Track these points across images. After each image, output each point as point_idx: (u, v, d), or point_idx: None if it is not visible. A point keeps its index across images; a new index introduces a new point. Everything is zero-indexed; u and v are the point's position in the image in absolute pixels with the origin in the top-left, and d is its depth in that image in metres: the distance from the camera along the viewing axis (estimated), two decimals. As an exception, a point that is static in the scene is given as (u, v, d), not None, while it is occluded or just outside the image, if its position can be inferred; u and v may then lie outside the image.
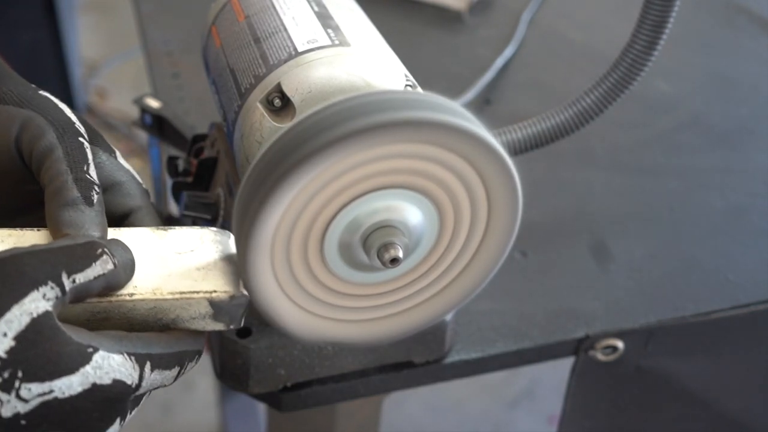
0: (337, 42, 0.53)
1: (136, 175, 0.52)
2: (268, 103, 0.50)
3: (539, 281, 0.76)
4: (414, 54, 0.70)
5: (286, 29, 0.54)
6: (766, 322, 0.77)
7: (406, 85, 0.51)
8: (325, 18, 0.55)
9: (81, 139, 0.48)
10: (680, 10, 0.66)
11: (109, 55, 2.61)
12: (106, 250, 0.43)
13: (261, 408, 1.39)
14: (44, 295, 0.40)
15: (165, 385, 0.46)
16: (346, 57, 0.51)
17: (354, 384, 0.64)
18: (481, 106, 0.98)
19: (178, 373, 0.46)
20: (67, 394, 0.40)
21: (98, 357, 0.41)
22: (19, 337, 0.39)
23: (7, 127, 0.48)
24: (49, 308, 0.40)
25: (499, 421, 1.69)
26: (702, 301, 0.75)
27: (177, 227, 0.49)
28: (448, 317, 0.64)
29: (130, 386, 0.42)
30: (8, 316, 0.39)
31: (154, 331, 0.46)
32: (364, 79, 0.50)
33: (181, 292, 0.45)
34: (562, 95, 0.77)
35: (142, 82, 1.15)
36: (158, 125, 0.80)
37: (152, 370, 0.44)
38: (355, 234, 0.45)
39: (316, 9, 0.56)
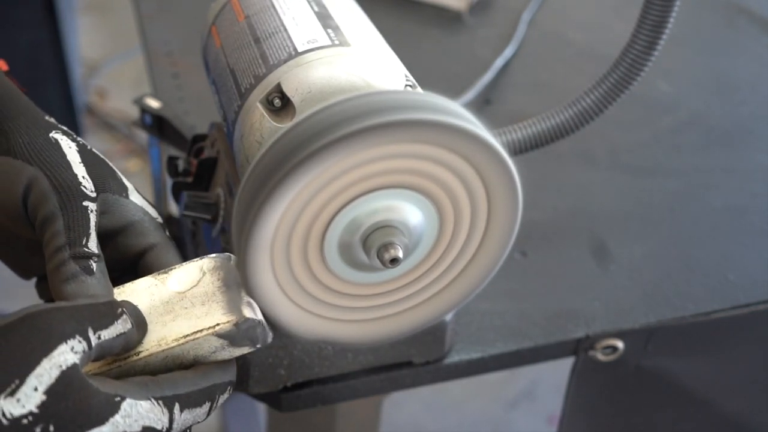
0: (337, 42, 0.52)
1: (151, 210, 0.52)
2: (268, 103, 0.50)
3: (539, 281, 0.76)
4: (414, 54, 0.70)
5: (286, 29, 0.54)
6: (766, 322, 0.77)
7: (406, 85, 0.51)
8: (325, 18, 0.55)
9: (86, 202, 0.48)
10: (680, 10, 0.66)
11: (109, 55, 2.61)
12: (125, 309, 0.44)
13: (261, 408, 1.39)
14: (72, 348, 0.40)
15: (198, 422, 0.46)
16: (346, 57, 0.51)
17: (354, 384, 0.64)
18: (481, 106, 0.98)
19: (210, 408, 0.46)
20: None
21: (126, 405, 0.41)
22: (50, 391, 0.39)
23: (15, 185, 0.48)
24: (77, 361, 0.40)
25: (499, 421, 1.69)
26: (702, 301, 0.75)
27: (178, 266, 0.48)
28: (448, 317, 0.64)
29: (160, 431, 0.43)
30: (38, 370, 0.39)
31: (181, 370, 0.46)
32: (364, 79, 0.50)
33: (185, 335, 0.45)
34: (562, 95, 0.77)
35: (142, 82, 1.16)
36: (158, 125, 0.80)
37: (182, 410, 0.44)
38: (355, 234, 0.45)
39: (316, 9, 0.56)
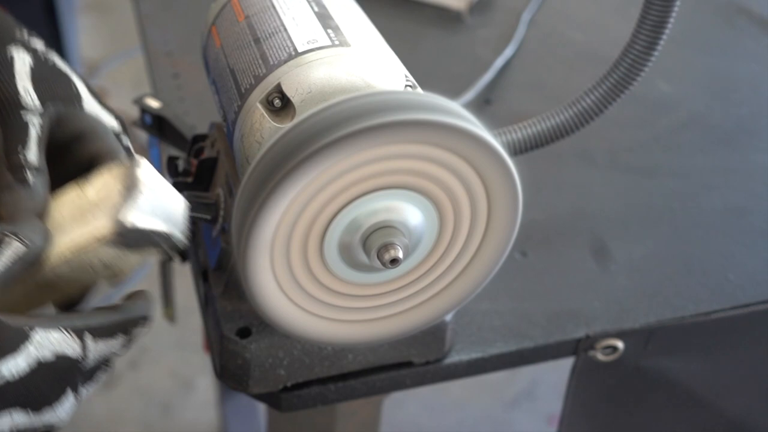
0: (337, 42, 0.52)
1: (106, 117, 0.53)
2: (268, 103, 0.50)
3: (539, 281, 0.76)
4: (414, 54, 0.70)
5: (286, 29, 0.54)
6: (766, 322, 0.77)
7: (406, 85, 0.51)
8: (325, 18, 0.55)
9: (25, 114, 0.48)
10: (680, 10, 0.66)
11: (109, 55, 2.61)
12: (8, 234, 0.44)
13: (261, 408, 1.39)
14: None
15: (118, 355, 0.47)
16: (346, 57, 0.51)
17: (354, 384, 0.64)
18: (481, 106, 0.98)
19: (126, 341, 0.47)
20: (16, 376, 0.41)
21: (37, 336, 0.42)
22: None
23: None
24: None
25: (499, 421, 1.69)
26: (702, 301, 0.75)
27: (99, 173, 0.48)
28: (448, 317, 0.64)
29: (75, 359, 0.43)
30: None
31: (105, 280, 0.47)
32: (364, 79, 0.50)
33: (77, 245, 0.45)
34: (562, 95, 0.76)
35: (142, 82, 1.15)
36: (158, 125, 0.80)
37: (95, 340, 0.45)
38: (355, 234, 0.45)
39: (316, 9, 0.56)
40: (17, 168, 0.47)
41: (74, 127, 0.51)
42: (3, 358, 0.41)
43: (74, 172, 0.50)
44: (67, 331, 0.44)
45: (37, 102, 0.49)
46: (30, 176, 0.47)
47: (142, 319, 0.48)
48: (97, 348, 0.45)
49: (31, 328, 0.42)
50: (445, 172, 0.45)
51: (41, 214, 0.46)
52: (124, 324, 0.46)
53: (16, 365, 0.41)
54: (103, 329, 0.45)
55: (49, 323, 0.43)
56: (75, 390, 0.44)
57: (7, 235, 0.44)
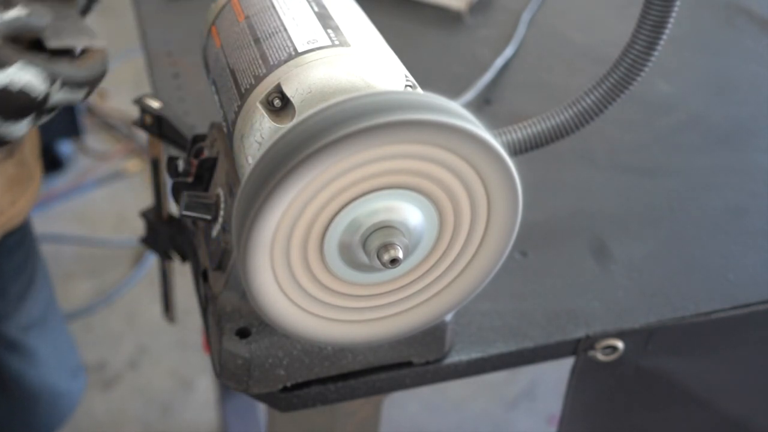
0: (337, 42, 0.52)
1: None
2: (268, 103, 0.50)
3: (539, 281, 0.76)
4: (414, 54, 0.70)
5: (286, 29, 0.54)
6: (766, 322, 0.77)
7: (406, 86, 0.51)
8: (325, 18, 0.55)
9: None
10: (680, 10, 0.66)
11: (109, 55, 2.61)
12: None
13: (261, 408, 1.39)
14: None
15: (73, 103, 0.55)
16: (346, 57, 0.51)
17: (354, 384, 0.64)
18: (481, 106, 0.98)
19: (87, 94, 0.54)
20: None
21: (15, 68, 0.48)
22: None
23: None
24: None
25: (499, 421, 1.69)
26: (702, 301, 0.75)
27: None
28: (448, 317, 0.64)
29: (34, 98, 0.50)
30: None
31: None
32: (364, 79, 0.50)
33: None
34: (562, 95, 0.76)
35: (142, 82, 1.15)
36: (158, 125, 0.80)
37: (61, 87, 0.51)
38: (355, 234, 0.45)
39: (316, 9, 0.56)
40: None
41: None
42: None
43: None
44: (42, 76, 0.50)
45: None
46: None
47: (102, 76, 0.55)
48: (60, 95, 0.51)
49: (14, 61, 0.48)
50: (445, 172, 0.45)
51: None
52: (92, 80, 0.54)
53: None
54: (73, 81, 0.52)
55: (32, 60, 0.49)
56: (28, 120, 0.51)
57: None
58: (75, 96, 0.54)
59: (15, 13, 0.51)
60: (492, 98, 1.00)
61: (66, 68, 0.53)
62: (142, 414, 1.70)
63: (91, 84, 0.55)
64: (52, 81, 0.51)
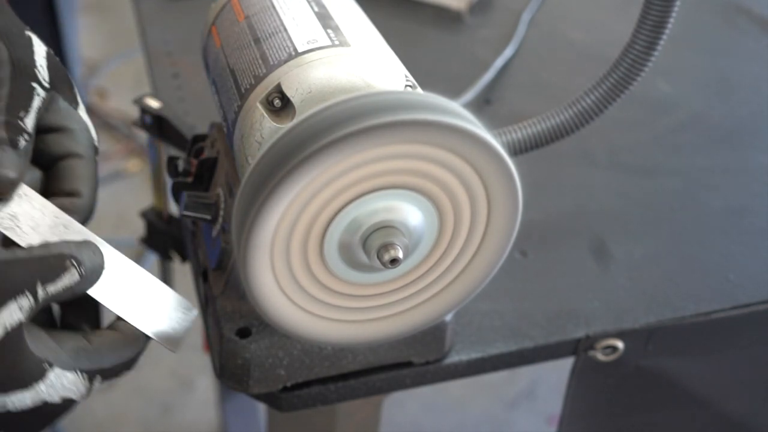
0: (337, 42, 0.52)
1: (93, 132, 0.52)
2: (268, 103, 0.50)
3: (539, 281, 0.76)
4: (414, 54, 0.70)
5: (286, 29, 0.54)
6: (766, 322, 0.77)
7: (406, 86, 0.51)
8: (325, 18, 0.55)
9: (34, 84, 0.48)
10: (680, 10, 0.66)
11: (109, 55, 2.61)
12: (73, 262, 0.43)
13: (261, 408, 1.39)
14: (20, 307, 0.40)
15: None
16: (346, 57, 0.51)
17: (354, 384, 0.64)
18: (481, 106, 0.98)
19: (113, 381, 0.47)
20: (18, 408, 0.41)
21: (53, 375, 0.42)
22: None
23: None
24: (23, 319, 0.40)
25: (499, 421, 1.69)
26: (702, 301, 0.75)
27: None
28: (448, 317, 0.64)
29: (76, 402, 0.44)
30: None
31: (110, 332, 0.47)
32: (364, 79, 0.50)
33: None
34: (562, 95, 0.76)
35: (142, 82, 1.15)
36: (158, 125, 0.80)
37: (102, 382, 0.45)
38: (355, 234, 0.45)
39: (316, 9, 0.56)
40: (15, 129, 0.46)
41: (63, 119, 0.50)
42: (12, 392, 0.40)
43: (36, 156, 0.50)
44: (82, 375, 0.43)
45: (47, 79, 0.49)
46: (22, 141, 0.46)
47: (131, 365, 0.48)
48: (97, 386, 0.45)
49: (51, 366, 0.42)
50: (445, 172, 0.45)
51: (18, 180, 0.46)
52: (129, 364, 0.47)
53: (22, 401, 0.41)
54: (113, 371, 0.46)
55: (69, 362, 0.43)
56: (59, 420, 0.44)
57: (73, 263, 0.43)
58: (111, 382, 0.47)
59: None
60: (492, 98, 1.00)
61: (108, 355, 0.45)
62: (142, 414, 1.70)
63: (130, 368, 0.48)
64: (92, 380, 0.44)
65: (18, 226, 0.45)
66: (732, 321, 0.75)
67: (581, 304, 0.74)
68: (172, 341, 0.50)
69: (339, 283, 0.47)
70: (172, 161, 0.68)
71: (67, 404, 0.43)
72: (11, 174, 0.45)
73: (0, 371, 0.40)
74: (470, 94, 0.97)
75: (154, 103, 0.80)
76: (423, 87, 0.52)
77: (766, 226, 0.84)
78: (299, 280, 0.46)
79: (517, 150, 0.73)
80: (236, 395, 1.39)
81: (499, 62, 1.04)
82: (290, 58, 0.52)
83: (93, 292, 0.46)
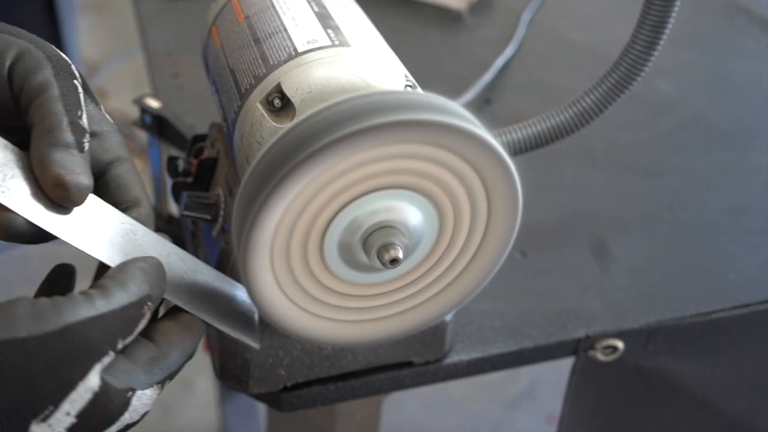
0: (337, 42, 0.52)
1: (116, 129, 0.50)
2: (268, 103, 0.50)
3: (539, 281, 0.76)
4: (414, 54, 0.70)
5: (286, 29, 0.54)
6: (766, 322, 0.77)
7: (406, 86, 0.51)
8: (325, 18, 0.55)
9: (75, 82, 0.45)
10: (680, 10, 0.66)
11: (109, 55, 2.61)
12: (150, 305, 0.42)
13: (261, 408, 1.39)
14: (103, 366, 0.40)
15: None
16: (346, 57, 0.51)
17: (354, 384, 0.64)
18: (481, 106, 0.98)
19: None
20: None
21: (135, 400, 0.41)
22: (81, 414, 0.39)
23: (1, 54, 0.45)
24: (106, 378, 0.40)
25: (499, 421, 1.69)
26: (702, 301, 0.75)
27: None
28: (448, 317, 0.64)
29: (148, 413, 0.43)
30: (73, 395, 0.38)
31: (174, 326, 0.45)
32: (364, 79, 0.50)
33: None
34: (562, 95, 0.76)
35: (142, 82, 1.16)
36: (158, 125, 0.80)
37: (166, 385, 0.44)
38: (355, 234, 0.45)
39: (316, 9, 0.56)
40: (79, 130, 0.43)
41: (96, 124, 0.48)
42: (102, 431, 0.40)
43: None
44: (157, 387, 0.43)
45: (81, 79, 0.47)
46: (86, 143, 0.44)
47: (192, 356, 0.47)
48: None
49: (133, 393, 0.41)
50: (445, 172, 0.45)
51: (92, 185, 0.44)
52: (188, 360, 0.46)
53: None
54: (176, 373, 0.45)
55: (147, 379, 0.42)
56: None
57: (149, 306, 0.42)
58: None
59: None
60: (492, 98, 1.00)
61: (177, 358, 0.44)
62: (142, 414, 1.70)
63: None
64: (162, 387, 0.44)
65: (91, 238, 0.44)
66: (732, 321, 0.75)
67: (581, 304, 0.74)
68: (253, 337, 0.50)
69: (339, 283, 0.47)
70: (172, 161, 0.68)
71: (143, 417, 0.42)
72: (85, 180, 0.43)
73: (90, 427, 0.39)
74: (470, 94, 0.97)
75: (154, 103, 0.80)
76: (423, 87, 0.52)
77: (766, 226, 0.84)
78: (299, 280, 0.46)
79: (517, 150, 0.73)
80: (236, 395, 1.39)
81: (499, 62, 1.04)
82: (290, 58, 0.52)
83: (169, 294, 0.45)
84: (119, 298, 0.40)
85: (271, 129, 0.49)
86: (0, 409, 0.37)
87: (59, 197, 0.42)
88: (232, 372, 0.61)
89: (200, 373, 1.76)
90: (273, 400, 0.63)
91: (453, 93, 0.95)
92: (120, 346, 0.40)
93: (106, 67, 2.58)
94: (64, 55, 0.47)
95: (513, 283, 0.75)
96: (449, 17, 1.15)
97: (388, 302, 0.50)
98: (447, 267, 0.49)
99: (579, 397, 0.75)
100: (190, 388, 1.75)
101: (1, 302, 0.39)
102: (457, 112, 0.43)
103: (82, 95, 0.45)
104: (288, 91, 0.50)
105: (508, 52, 1.06)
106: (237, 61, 0.55)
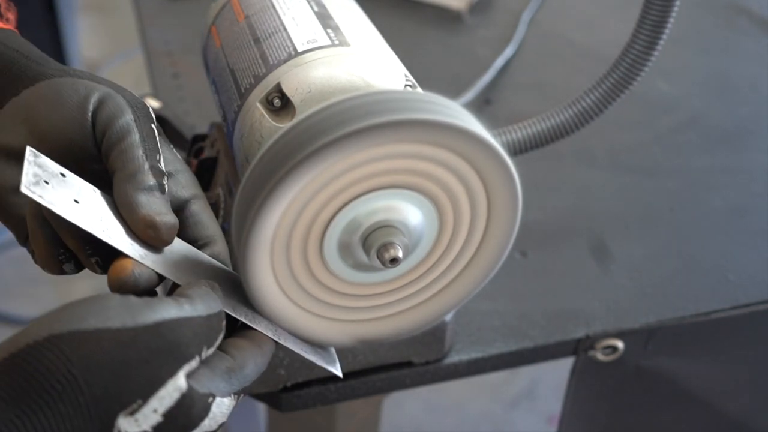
0: (336, 42, 0.52)
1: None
2: (267, 103, 0.50)
3: (539, 281, 0.76)
4: (414, 54, 0.70)
5: (285, 29, 0.54)
6: (766, 322, 0.77)
7: (406, 85, 0.51)
8: (325, 18, 0.55)
9: (153, 126, 0.47)
10: (680, 10, 0.66)
11: (109, 55, 2.61)
12: (224, 322, 0.43)
13: (261, 408, 1.39)
14: (190, 369, 0.40)
15: None
16: (346, 57, 0.51)
17: (354, 384, 0.64)
18: (481, 106, 0.98)
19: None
20: None
21: (215, 407, 0.41)
22: (167, 414, 0.39)
23: (84, 99, 0.46)
24: (191, 383, 0.40)
25: (499, 421, 1.69)
26: (702, 301, 0.75)
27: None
28: (448, 317, 0.64)
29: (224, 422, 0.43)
30: (162, 392, 0.38)
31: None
32: (364, 79, 0.50)
33: None
34: (562, 95, 0.77)
35: (142, 82, 1.15)
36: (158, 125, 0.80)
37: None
38: (354, 234, 0.45)
39: (316, 9, 0.56)
40: (158, 173, 0.46)
41: (170, 164, 0.49)
42: None
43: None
44: (235, 397, 0.43)
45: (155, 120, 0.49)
46: (166, 185, 0.46)
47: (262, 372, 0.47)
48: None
49: (213, 399, 0.41)
50: (445, 172, 0.45)
51: (177, 225, 0.45)
52: (260, 376, 0.46)
53: None
54: (250, 387, 0.45)
55: (225, 387, 0.42)
56: None
57: (223, 321, 0.43)
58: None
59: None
60: (492, 98, 1.00)
61: (251, 369, 0.44)
62: (142, 414, 1.70)
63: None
64: (238, 398, 0.44)
65: (174, 276, 0.45)
66: (732, 321, 0.75)
67: (581, 304, 0.74)
68: (332, 362, 0.50)
69: (339, 283, 0.47)
70: (172, 161, 0.68)
71: (219, 427, 0.42)
72: (172, 219, 0.45)
73: (174, 429, 0.39)
74: (470, 94, 0.97)
75: (154, 103, 0.80)
76: (423, 87, 0.52)
77: (766, 226, 0.84)
78: (299, 280, 0.46)
79: (517, 150, 0.73)
80: (236, 395, 1.39)
81: (499, 62, 1.04)
82: (290, 57, 0.52)
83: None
84: (202, 307, 0.42)
85: (270, 128, 0.49)
86: (89, 397, 0.37)
87: (150, 237, 0.44)
88: (232, 372, 0.61)
89: (200, 373, 1.76)
90: (273, 400, 0.63)
91: (453, 93, 0.95)
92: (204, 353, 0.41)
93: (106, 67, 2.58)
94: (141, 99, 0.48)
95: (513, 283, 0.75)
96: (449, 17, 1.15)
97: (388, 302, 0.50)
98: (447, 267, 0.49)
99: (579, 397, 0.75)
100: (190, 388, 1.75)
101: (91, 296, 0.39)
102: (457, 112, 0.43)
103: (158, 139, 0.47)
104: (288, 91, 0.50)
105: (508, 52, 1.06)
106: (237, 61, 0.55)
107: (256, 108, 0.51)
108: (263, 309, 0.46)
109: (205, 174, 0.65)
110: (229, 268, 0.48)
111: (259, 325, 0.46)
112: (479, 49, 1.08)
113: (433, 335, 0.64)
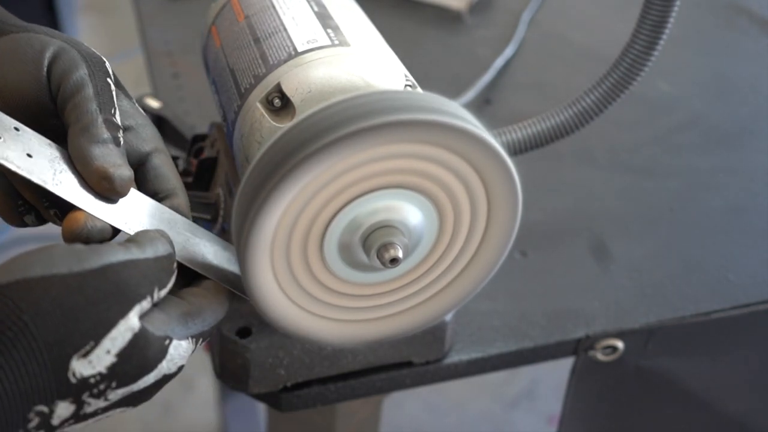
0: (336, 42, 0.52)
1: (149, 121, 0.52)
2: (267, 103, 0.50)
3: (539, 281, 0.76)
4: (414, 54, 0.70)
5: (285, 29, 0.54)
6: (766, 322, 0.77)
7: (406, 85, 0.51)
8: (324, 18, 0.55)
9: (108, 80, 0.48)
10: (680, 10, 0.66)
11: (109, 55, 2.60)
12: (176, 264, 0.44)
13: (261, 408, 1.39)
14: (142, 309, 0.41)
15: None
16: (346, 57, 0.51)
17: (354, 384, 0.64)
18: (481, 106, 0.98)
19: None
20: (141, 387, 0.42)
21: (171, 349, 0.43)
22: (120, 354, 0.40)
23: (39, 54, 0.47)
24: (144, 324, 0.41)
25: (499, 421, 1.69)
26: (702, 301, 0.75)
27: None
28: (448, 317, 0.64)
29: (184, 366, 0.44)
30: (114, 332, 0.40)
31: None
32: (364, 79, 0.50)
33: None
34: (562, 95, 0.76)
35: (142, 82, 1.15)
36: (158, 125, 0.80)
37: (200, 344, 0.45)
38: (354, 234, 0.45)
39: (316, 9, 0.56)
40: (113, 126, 0.46)
41: (129, 118, 0.50)
42: (142, 378, 0.41)
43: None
44: (193, 340, 0.44)
45: (112, 74, 0.49)
46: (120, 138, 0.46)
47: (217, 325, 0.48)
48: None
49: (170, 342, 0.42)
50: (445, 172, 0.45)
51: (132, 177, 0.46)
52: (216, 327, 0.47)
53: (146, 382, 0.42)
54: (207, 334, 0.46)
55: (182, 330, 0.43)
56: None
57: (175, 263, 0.44)
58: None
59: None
60: (492, 98, 1.00)
61: (209, 315, 0.46)
62: (142, 414, 1.70)
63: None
64: (197, 343, 0.45)
65: (129, 227, 0.45)
66: (732, 321, 0.75)
67: (581, 304, 0.74)
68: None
69: (339, 283, 0.47)
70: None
71: (179, 370, 0.44)
72: (126, 171, 0.45)
73: (130, 369, 0.41)
74: (470, 94, 0.97)
75: (154, 103, 0.80)
76: (423, 87, 0.52)
77: (766, 226, 0.84)
78: (299, 280, 0.46)
79: (517, 150, 0.73)
80: (236, 395, 1.39)
81: (499, 62, 1.04)
82: (290, 57, 0.52)
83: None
84: (151, 250, 0.43)
85: (270, 128, 0.49)
86: (41, 343, 0.38)
87: (105, 189, 0.45)
88: (232, 372, 0.61)
89: (200, 373, 1.76)
90: (273, 400, 0.63)
91: (453, 93, 0.95)
92: (156, 295, 0.42)
93: (106, 67, 2.58)
94: (98, 53, 0.49)
95: (513, 283, 0.75)
96: (449, 17, 1.15)
97: (388, 302, 0.50)
98: (447, 267, 0.49)
99: (579, 397, 0.75)
100: (190, 387, 1.75)
101: (39, 246, 0.41)
102: (457, 112, 0.43)
103: (114, 93, 0.48)
104: (288, 91, 0.50)
105: (508, 52, 1.06)
106: (237, 61, 0.55)
107: (256, 108, 0.51)
108: (263, 309, 0.46)
109: (205, 174, 0.65)
110: (189, 220, 0.49)
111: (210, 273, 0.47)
112: (479, 49, 1.08)
113: (433, 335, 0.64)
